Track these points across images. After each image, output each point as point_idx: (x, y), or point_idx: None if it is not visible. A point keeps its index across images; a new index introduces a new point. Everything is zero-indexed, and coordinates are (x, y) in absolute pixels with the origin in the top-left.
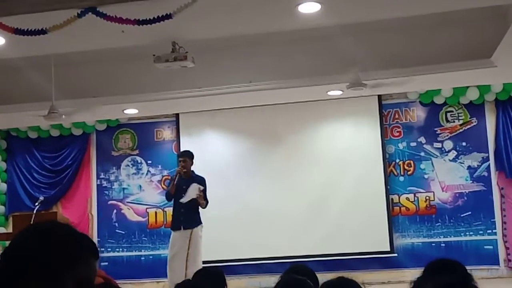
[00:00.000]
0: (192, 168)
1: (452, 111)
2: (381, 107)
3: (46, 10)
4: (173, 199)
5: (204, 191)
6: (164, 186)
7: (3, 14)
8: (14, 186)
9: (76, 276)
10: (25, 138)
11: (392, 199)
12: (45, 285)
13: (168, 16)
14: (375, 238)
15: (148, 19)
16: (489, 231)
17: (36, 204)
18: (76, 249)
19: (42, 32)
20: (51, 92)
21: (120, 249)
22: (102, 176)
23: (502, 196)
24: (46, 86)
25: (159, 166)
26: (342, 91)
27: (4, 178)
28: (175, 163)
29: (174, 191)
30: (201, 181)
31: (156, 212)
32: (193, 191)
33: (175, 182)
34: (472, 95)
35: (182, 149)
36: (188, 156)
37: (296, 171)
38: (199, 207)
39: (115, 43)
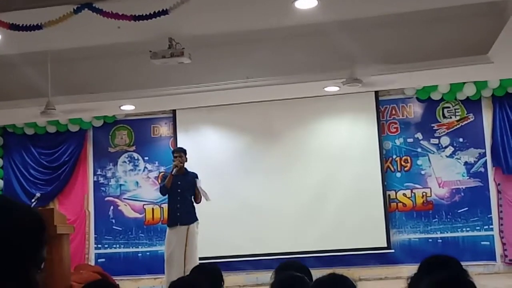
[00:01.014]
0: (187, 164)
1: (449, 107)
2: (378, 103)
3: (42, 6)
4: (168, 195)
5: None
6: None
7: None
8: (11, 183)
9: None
10: (22, 135)
11: (389, 195)
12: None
13: (164, 12)
14: (372, 234)
15: (144, 14)
16: (486, 227)
17: (33, 200)
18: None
19: (38, 27)
20: (47, 88)
21: (117, 246)
22: (99, 172)
23: (498, 192)
24: (43, 82)
25: (156, 162)
26: (339, 87)
27: (1, 174)
28: (171, 160)
29: (170, 186)
30: (195, 177)
31: (153, 209)
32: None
33: (173, 174)
34: (469, 91)
35: (179, 145)
36: (182, 152)
37: (293, 168)
38: (194, 202)
39: (111, 39)
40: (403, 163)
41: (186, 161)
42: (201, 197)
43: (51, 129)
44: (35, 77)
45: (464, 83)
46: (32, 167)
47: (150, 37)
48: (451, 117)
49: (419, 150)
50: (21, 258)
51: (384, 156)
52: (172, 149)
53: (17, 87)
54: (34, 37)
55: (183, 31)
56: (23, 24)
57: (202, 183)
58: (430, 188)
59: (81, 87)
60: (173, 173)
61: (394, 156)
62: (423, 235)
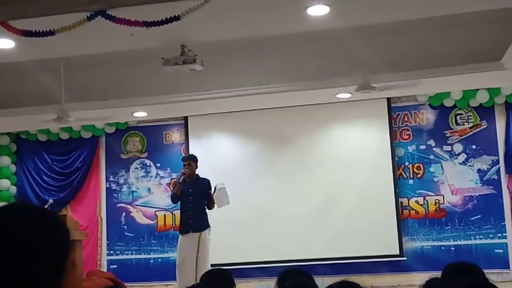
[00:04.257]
0: (199, 171)
1: (461, 114)
2: (390, 109)
3: (56, 14)
4: (180, 202)
5: (211, 193)
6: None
7: (12, 18)
8: (24, 189)
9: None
10: (35, 141)
11: (401, 202)
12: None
13: (176, 18)
14: (384, 242)
15: (156, 20)
16: (499, 234)
17: (46, 206)
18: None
19: (51, 33)
20: (60, 95)
21: (129, 252)
22: (111, 179)
23: None
24: (56, 89)
25: (168, 169)
26: (351, 94)
27: (14, 181)
28: (182, 167)
29: (180, 193)
30: (207, 183)
31: (165, 215)
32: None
33: (181, 182)
34: (482, 97)
35: (191, 152)
36: (192, 160)
37: (305, 174)
38: (206, 209)
39: (124, 46)
40: (415, 170)
41: (197, 168)
42: (213, 204)
43: (64, 136)
44: (49, 83)
45: (477, 89)
46: (45, 174)
47: (163, 44)
48: (464, 124)
49: (431, 157)
50: (55, 266)
51: (397, 163)
52: (183, 155)
53: (30, 94)
54: (47, 44)
55: (196, 38)
56: (36, 30)
57: (221, 189)
58: (443, 195)
59: (94, 93)
60: (180, 181)
61: (407, 163)
62: (435, 243)
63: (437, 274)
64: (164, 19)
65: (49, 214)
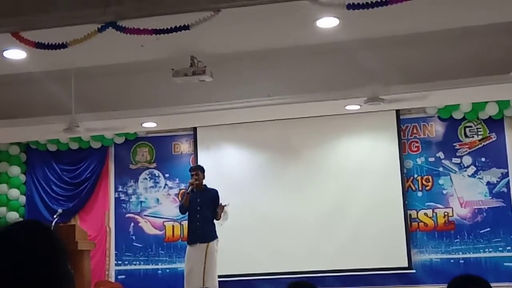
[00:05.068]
0: (207, 181)
1: (471, 126)
2: (399, 121)
3: (67, 25)
4: (187, 213)
5: (218, 203)
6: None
7: (24, 29)
8: (33, 199)
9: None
10: (45, 151)
11: (410, 214)
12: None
13: (185, 27)
14: (393, 254)
15: (166, 28)
16: (509, 247)
17: (55, 216)
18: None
19: (63, 46)
20: (71, 106)
21: (137, 262)
22: (120, 189)
23: None
24: (66, 99)
25: (177, 179)
26: (360, 105)
27: (23, 190)
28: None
29: (188, 204)
30: (215, 193)
31: (173, 226)
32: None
33: (188, 193)
34: (491, 110)
35: (199, 163)
36: (200, 170)
37: (313, 186)
38: (214, 219)
39: (134, 57)
40: (424, 183)
41: (204, 178)
42: (220, 216)
43: (74, 146)
44: (59, 94)
45: (486, 102)
46: (54, 183)
47: (172, 55)
48: (473, 137)
49: (440, 169)
50: (61, 282)
51: (405, 175)
52: (191, 166)
53: (41, 104)
54: (58, 55)
55: (205, 49)
56: (48, 43)
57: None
58: (452, 208)
59: (104, 104)
60: (188, 191)
61: (416, 175)
62: (444, 256)
63: (446, 287)
64: (173, 27)
65: (48, 228)
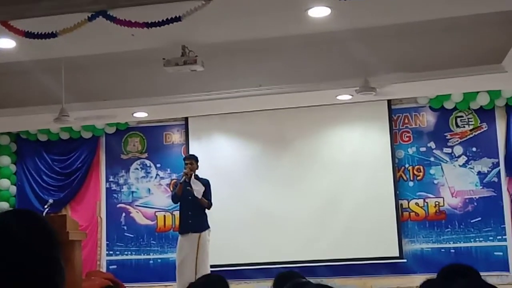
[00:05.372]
0: (199, 171)
1: (462, 116)
2: (390, 112)
3: (57, 14)
4: (179, 203)
5: (209, 193)
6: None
7: (14, 18)
8: (24, 189)
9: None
10: (35, 141)
11: (401, 204)
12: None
13: (177, 19)
14: (384, 244)
15: (157, 21)
16: (499, 237)
17: (46, 206)
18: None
19: (53, 35)
20: (61, 95)
21: (129, 252)
22: (111, 179)
23: None
24: (56, 89)
25: (168, 169)
26: (352, 95)
27: (14, 180)
28: (183, 167)
29: (181, 193)
30: (206, 183)
31: (164, 216)
32: (199, 188)
33: (181, 182)
34: (483, 100)
35: (191, 153)
36: (194, 159)
37: (305, 176)
38: (206, 209)
39: (125, 47)
40: (415, 172)
41: (198, 168)
42: (208, 204)
43: (64, 136)
44: (49, 84)
45: (478, 92)
46: (45, 173)
47: (164, 44)
48: (464, 127)
49: (432, 159)
50: (54, 272)
51: (397, 165)
52: (184, 155)
53: (31, 94)
54: (48, 44)
55: (196, 39)
56: (38, 32)
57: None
58: (443, 197)
59: (95, 94)
60: (181, 181)
61: (407, 165)
62: (435, 245)
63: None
64: (165, 20)
65: (40, 217)
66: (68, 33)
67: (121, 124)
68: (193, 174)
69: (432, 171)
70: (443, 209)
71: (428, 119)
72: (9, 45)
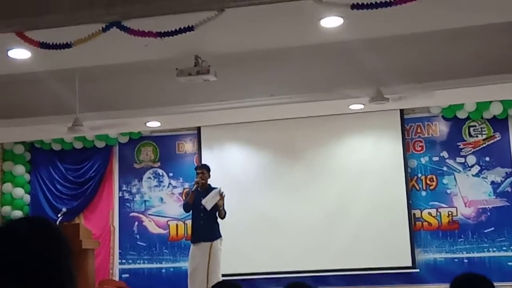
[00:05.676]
0: (211, 180)
1: (475, 126)
2: (403, 121)
3: (72, 25)
4: (191, 212)
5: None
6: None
7: (29, 28)
8: (37, 198)
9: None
10: (49, 150)
11: (414, 213)
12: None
13: (190, 28)
14: (397, 253)
15: (170, 31)
16: None
17: (59, 215)
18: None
19: (67, 46)
20: (75, 105)
21: (141, 261)
22: (124, 188)
23: None
24: (70, 99)
25: (181, 178)
26: (364, 105)
27: (28, 189)
28: (195, 176)
29: (192, 202)
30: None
31: (177, 225)
32: (214, 196)
33: (193, 191)
34: (496, 109)
35: (203, 162)
36: (205, 169)
37: (316, 185)
38: (218, 218)
39: (138, 57)
40: (428, 182)
41: (209, 177)
42: (224, 213)
43: (78, 145)
44: (63, 93)
45: (491, 101)
46: (59, 182)
47: (177, 54)
48: (477, 136)
49: (444, 168)
50: (65, 279)
51: (409, 175)
52: (196, 165)
53: (45, 104)
54: (63, 54)
55: (209, 49)
56: (53, 43)
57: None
58: (456, 207)
59: (108, 103)
60: (193, 190)
61: (420, 175)
62: (448, 255)
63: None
64: (178, 29)
65: (53, 224)
66: (83, 43)
67: (134, 133)
68: (207, 184)
69: (445, 181)
70: (456, 219)
71: (440, 129)
72: (24, 56)
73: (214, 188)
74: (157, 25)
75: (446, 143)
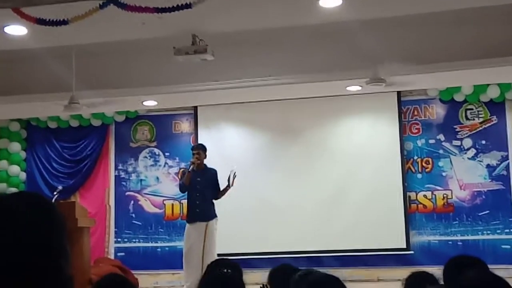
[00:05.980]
0: (207, 161)
1: (472, 109)
2: (400, 103)
3: (69, 1)
4: (187, 192)
5: (217, 182)
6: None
7: (26, 5)
8: (33, 176)
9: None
10: (45, 128)
11: (409, 196)
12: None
13: (187, 6)
14: (391, 235)
15: (167, 7)
16: (507, 230)
17: (55, 193)
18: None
19: (64, 22)
20: (71, 83)
21: (137, 240)
22: (120, 167)
23: None
24: (67, 76)
25: (177, 158)
26: (361, 86)
27: (23, 167)
28: (191, 156)
29: (189, 182)
30: (214, 173)
31: (173, 204)
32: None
33: (189, 171)
34: (493, 93)
35: (199, 142)
36: (201, 149)
37: (313, 166)
38: (214, 199)
39: (136, 35)
40: (424, 164)
41: (205, 157)
42: (222, 195)
43: (74, 123)
44: (60, 71)
45: (488, 84)
46: (55, 161)
47: (174, 33)
48: (474, 119)
49: (440, 151)
50: (59, 255)
51: (405, 157)
52: (192, 145)
53: (41, 81)
54: (59, 31)
55: (207, 28)
56: (49, 19)
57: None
58: (451, 190)
59: (105, 81)
60: (189, 170)
61: (415, 157)
62: (443, 237)
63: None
64: (175, 6)
65: (49, 202)
66: (80, 20)
67: (130, 112)
68: (203, 164)
69: (440, 164)
70: (451, 201)
71: (437, 111)
72: (20, 32)
73: (210, 169)
74: (154, 3)
75: (442, 126)
